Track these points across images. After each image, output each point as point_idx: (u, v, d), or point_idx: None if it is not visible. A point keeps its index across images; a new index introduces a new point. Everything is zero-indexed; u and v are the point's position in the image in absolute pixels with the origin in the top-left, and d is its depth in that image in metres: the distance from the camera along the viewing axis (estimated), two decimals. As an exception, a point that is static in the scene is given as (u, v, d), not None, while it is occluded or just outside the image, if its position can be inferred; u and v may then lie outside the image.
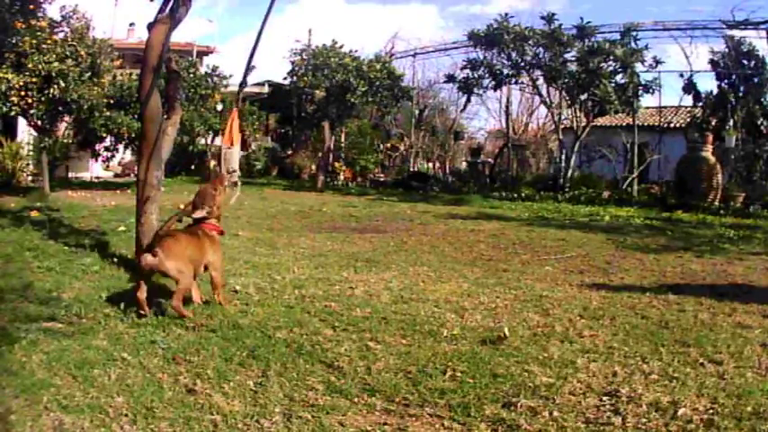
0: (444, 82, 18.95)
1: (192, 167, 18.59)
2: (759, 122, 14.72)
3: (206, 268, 3.93)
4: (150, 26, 5.17)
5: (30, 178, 13.75)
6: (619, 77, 14.85)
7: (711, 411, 2.53)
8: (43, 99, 10.57)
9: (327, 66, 16.92)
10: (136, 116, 12.60)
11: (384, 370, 2.96)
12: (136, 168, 6.00)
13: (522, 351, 3.25)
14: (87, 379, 2.75)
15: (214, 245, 3.96)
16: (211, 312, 3.83)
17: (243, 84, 7.40)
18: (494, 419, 2.47)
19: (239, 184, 5.45)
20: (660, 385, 2.82)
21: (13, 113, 10.85)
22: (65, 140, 14.29)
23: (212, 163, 19.82)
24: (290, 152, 21.71)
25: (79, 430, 2.33)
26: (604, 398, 2.69)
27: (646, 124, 18.27)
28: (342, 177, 19.88)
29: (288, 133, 21.56)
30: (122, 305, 3.84)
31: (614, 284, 5.10)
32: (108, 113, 12.64)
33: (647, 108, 18.38)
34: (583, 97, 15.25)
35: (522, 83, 17.44)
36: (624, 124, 17.34)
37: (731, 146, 14.44)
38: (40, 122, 11.36)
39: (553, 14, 14.99)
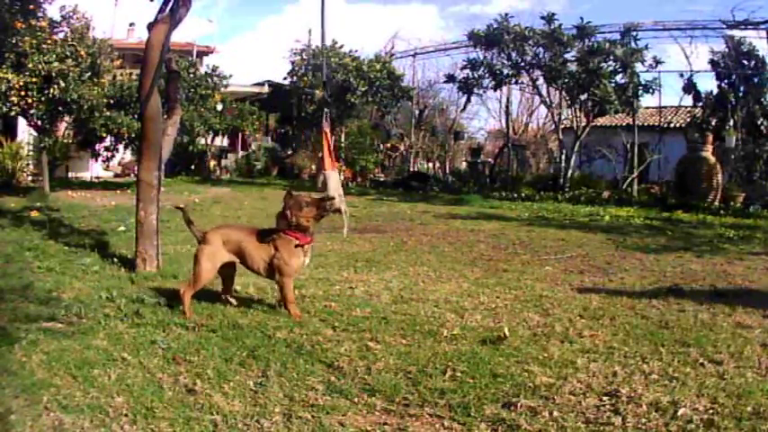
0: (444, 82, 18.97)
1: (192, 167, 18.61)
2: (759, 122, 14.71)
3: (273, 270, 3.82)
4: (150, 26, 5.17)
5: (30, 178, 13.77)
6: (619, 77, 14.86)
7: (711, 411, 2.53)
8: (43, 99, 10.58)
9: (327, 66, 16.92)
10: (136, 116, 12.61)
11: (384, 370, 2.96)
12: (136, 168, 6.01)
13: (522, 351, 3.24)
14: (87, 379, 2.75)
15: (286, 250, 3.77)
16: (211, 312, 3.83)
17: (327, 100, 7.27)
18: (494, 419, 2.47)
19: (347, 212, 5.19)
20: (660, 385, 2.81)
21: (13, 113, 10.87)
22: (65, 140, 14.30)
23: (212, 163, 19.86)
24: (290, 152, 21.73)
25: (79, 430, 2.32)
26: (604, 398, 2.68)
27: (646, 124, 18.27)
28: (342, 177, 19.86)
29: (288, 133, 21.58)
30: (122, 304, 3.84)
31: (614, 284, 5.10)
32: (108, 113, 12.65)
33: (647, 108, 18.38)
34: (583, 97, 15.25)
35: (522, 83, 17.45)
36: (624, 124, 17.34)
37: (731, 146, 14.44)
38: (40, 122, 11.38)
39: (553, 14, 15.01)
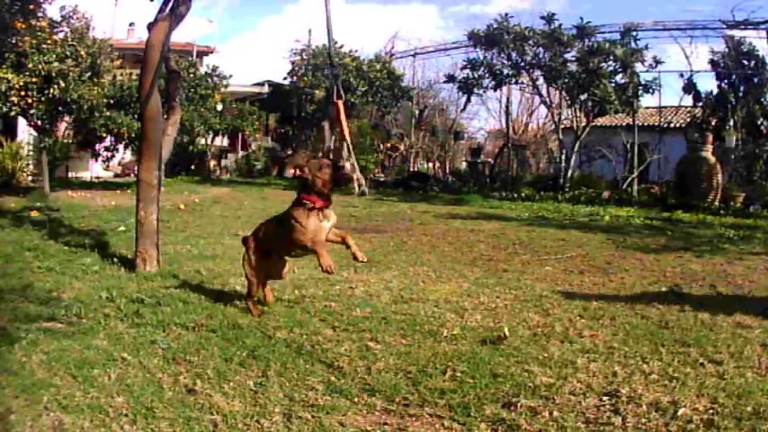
0: (444, 82, 18.97)
1: (192, 167, 18.60)
2: (759, 122, 14.71)
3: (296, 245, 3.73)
4: (150, 26, 5.17)
5: (30, 178, 13.75)
6: (619, 77, 14.85)
7: (711, 411, 2.53)
8: (43, 99, 10.57)
9: (327, 66, 16.92)
10: (136, 116, 12.61)
11: (384, 370, 2.96)
12: (136, 168, 6.01)
13: (522, 351, 3.24)
14: (87, 379, 2.75)
15: (299, 215, 3.64)
16: (211, 312, 3.83)
17: (336, 75, 7.21)
18: (494, 419, 2.47)
19: (360, 178, 4.95)
20: (660, 385, 2.81)
21: (13, 113, 10.85)
22: (65, 140, 14.28)
23: (212, 163, 19.86)
24: (289, 152, 21.72)
25: (79, 430, 2.33)
26: (604, 398, 2.68)
27: (646, 124, 18.26)
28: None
29: (288, 133, 21.58)
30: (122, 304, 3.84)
31: (614, 284, 5.09)
32: (108, 113, 12.64)
33: (647, 108, 18.37)
34: (583, 97, 15.24)
35: (522, 83, 17.44)
36: (624, 124, 17.33)
37: (731, 146, 14.44)
38: (40, 122, 11.37)
39: (553, 14, 15.01)
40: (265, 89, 21.50)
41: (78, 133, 13.82)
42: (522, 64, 15.97)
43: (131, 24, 23.53)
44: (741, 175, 14.51)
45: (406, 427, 2.43)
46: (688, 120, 17.22)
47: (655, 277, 5.42)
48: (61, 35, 11.02)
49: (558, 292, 4.70)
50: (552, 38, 14.89)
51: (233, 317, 3.73)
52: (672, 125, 18.64)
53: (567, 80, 15.17)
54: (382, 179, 20.33)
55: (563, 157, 16.58)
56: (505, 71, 16.26)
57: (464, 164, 23.13)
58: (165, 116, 5.60)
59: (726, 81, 15.43)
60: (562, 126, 17.58)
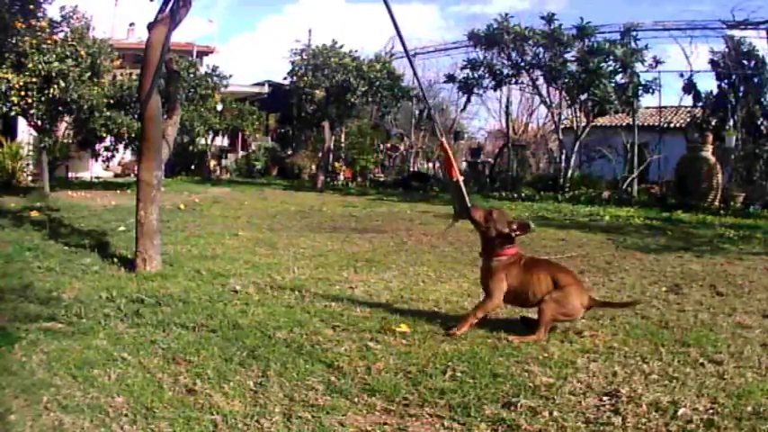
0: (444, 82, 18.95)
1: (192, 167, 18.60)
2: (759, 122, 14.72)
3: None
4: (150, 26, 5.17)
5: (30, 178, 13.74)
6: (619, 77, 14.84)
7: (711, 411, 2.53)
8: (43, 99, 10.57)
9: (327, 66, 16.91)
10: (136, 116, 12.60)
11: (384, 370, 2.96)
12: (136, 168, 6.01)
13: (522, 351, 3.25)
14: (87, 379, 2.75)
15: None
16: (211, 312, 3.83)
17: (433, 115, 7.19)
18: (494, 419, 2.47)
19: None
20: (660, 385, 2.82)
21: (13, 113, 10.86)
22: (65, 140, 14.28)
23: (212, 163, 19.86)
24: (290, 152, 21.73)
25: (79, 430, 2.32)
26: (604, 398, 2.68)
27: (646, 124, 18.26)
28: (342, 177, 19.89)
29: (288, 133, 21.57)
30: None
31: (614, 284, 5.09)
32: (108, 113, 12.63)
33: (647, 108, 18.37)
34: (583, 97, 15.24)
35: (522, 83, 17.43)
36: (624, 124, 17.33)
37: (731, 146, 14.44)
38: (40, 122, 11.36)
39: (553, 14, 15.01)
40: (265, 89, 21.50)
41: (78, 133, 13.80)
42: (522, 64, 15.96)
43: (131, 24, 23.53)
44: (741, 175, 14.50)
45: (406, 427, 2.42)
46: (688, 120, 17.22)
47: (655, 277, 5.42)
48: (61, 35, 11.02)
49: (558, 292, 4.69)
50: (552, 38, 14.89)
51: (233, 317, 3.73)
52: (672, 125, 18.63)
53: (567, 80, 15.16)
54: (382, 179, 20.33)
55: (563, 157, 16.58)
56: (505, 71, 16.25)
57: (464, 164, 23.13)
58: (165, 116, 5.60)
59: (726, 81, 15.42)
60: (562, 126, 17.58)
